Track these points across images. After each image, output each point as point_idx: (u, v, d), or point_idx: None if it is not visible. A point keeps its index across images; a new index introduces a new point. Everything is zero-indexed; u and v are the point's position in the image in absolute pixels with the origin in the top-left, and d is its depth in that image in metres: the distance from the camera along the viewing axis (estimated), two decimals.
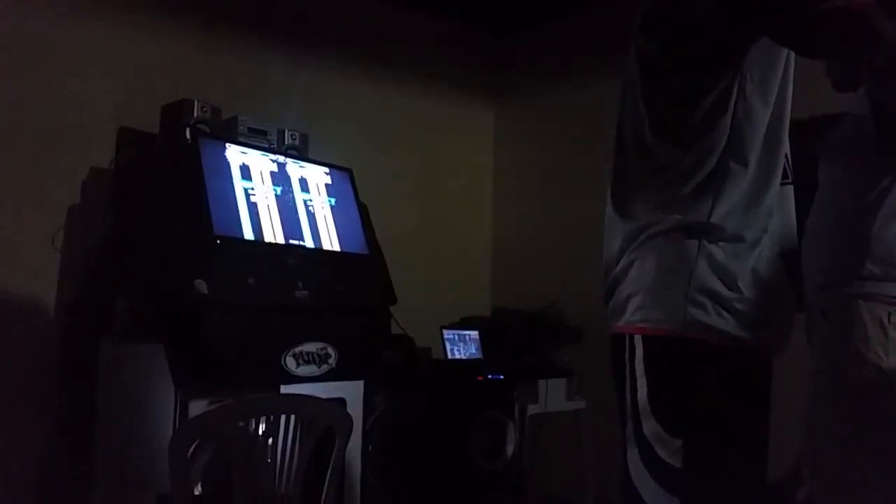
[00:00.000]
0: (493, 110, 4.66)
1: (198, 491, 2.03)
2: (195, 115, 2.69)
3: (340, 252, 2.78)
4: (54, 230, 2.81)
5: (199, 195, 2.42)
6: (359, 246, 2.85)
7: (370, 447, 2.87)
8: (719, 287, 1.07)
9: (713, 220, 1.09)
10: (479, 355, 3.52)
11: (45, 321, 2.80)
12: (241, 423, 1.93)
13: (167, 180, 2.58)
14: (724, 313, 1.06)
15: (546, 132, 4.40)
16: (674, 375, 1.08)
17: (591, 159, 4.14)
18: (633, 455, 1.09)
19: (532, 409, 3.48)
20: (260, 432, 1.96)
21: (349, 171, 3.01)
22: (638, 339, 1.10)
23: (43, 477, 2.71)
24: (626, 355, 1.11)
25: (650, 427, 1.07)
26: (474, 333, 3.56)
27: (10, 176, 2.75)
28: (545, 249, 4.24)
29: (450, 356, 3.38)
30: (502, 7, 4.28)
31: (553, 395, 3.52)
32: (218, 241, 2.38)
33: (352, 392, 2.63)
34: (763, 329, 1.11)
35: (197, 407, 2.20)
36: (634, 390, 1.09)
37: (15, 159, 2.77)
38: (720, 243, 1.09)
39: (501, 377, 3.42)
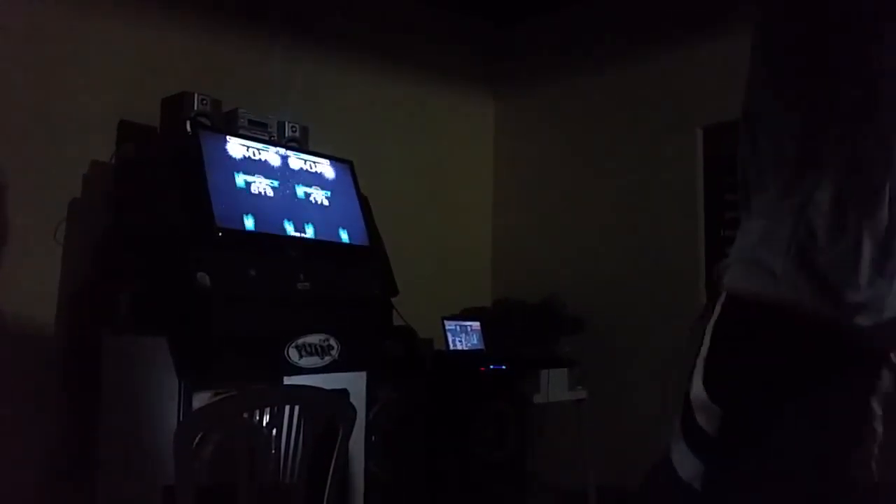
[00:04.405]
0: (493, 101, 4.66)
1: (202, 482, 2.04)
2: (195, 107, 2.68)
3: (342, 244, 2.78)
4: (56, 223, 2.81)
5: (200, 188, 2.42)
6: (360, 238, 2.85)
7: (373, 438, 2.88)
8: None
9: None
10: (480, 346, 3.53)
11: (47, 314, 2.81)
12: (245, 415, 1.94)
13: (168, 173, 2.58)
14: None
15: (546, 123, 4.40)
16: None
17: (592, 150, 4.16)
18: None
19: (534, 399, 3.50)
20: (264, 423, 1.97)
21: (350, 163, 3.01)
22: None
23: (47, 469, 2.72)
24: None
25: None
26: (476, 324, 3.57)
27: (12, 170, 2.75)
28: (546, 240, 4.24)
29: (452, 347, 3.39)
30: None
31: (555, 385, 3.54)
32: (220, 234, 2.38)
33: (354, 383, 2.64)
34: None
35: (201, 399, 2.21)
36: None
37: (16, 153, 2.77)
38: None
39: (503, 367, 3.43)
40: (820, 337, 1.00)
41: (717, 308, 1.06)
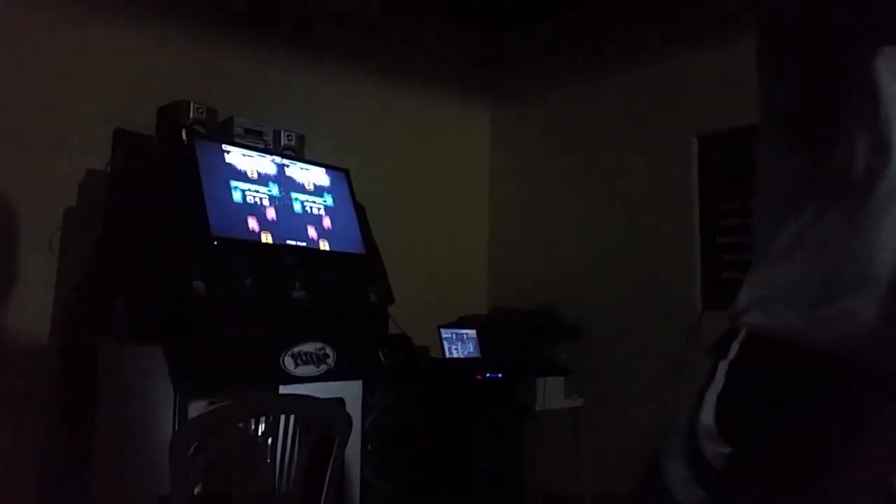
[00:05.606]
0: (489, 110, 4.67)
1: (198, 491, 2.03)
2: (191, 116, 2.69)
3: (338, 252, 2.78)
4: (51, 232, 2.81)
5: (196, 196, 2.42)
6: (356, 246, 2.85)
7: (369, 447, 2.87)
8: None
9: None
10: (477, 354, 3.53)
11: (43, 323, 2.80)
12: (241, 424, 1.93)
13: (164, 182, 2.58)
14: None
15: (542, 132, 4.41)
16: None
17: (587, 158, 4.17)
18: None
19: (530, 408, 3.49)
20: (259, 433, 1.96)
21: (346, 172, 3.02)
22: None
23: (42, 478, 2.71)
24: None
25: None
26: (472, 332, 3.57)
27: (7, 178, 2.75)
28: (542, 248, 4.25)
29: (448, 355, 3.39)
30: (499, 7, 4.29)
31: (551, 394, 3.53)
32: (215, 243, 2.38)
33: (350, 392, 2.63)
34: None
35: (196, 408, 2.20)
36: None
37: (11, 162, 2.76)
38: None
39: (500, 376, 3.43)
40: (844, 377, 1.00)
41: (735, 346, 1.06)
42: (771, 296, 1.03)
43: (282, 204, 2.69)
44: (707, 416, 1.03)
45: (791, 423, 1.00)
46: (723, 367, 1.05)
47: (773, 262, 1.07)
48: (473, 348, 3.53)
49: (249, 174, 2.64)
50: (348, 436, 2.08)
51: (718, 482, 1.01)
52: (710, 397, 1.04)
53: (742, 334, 1.04)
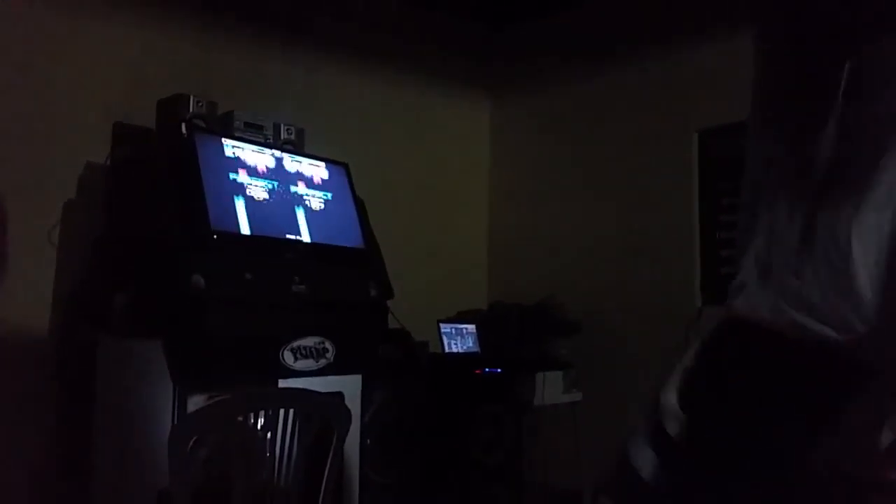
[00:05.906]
0: (489, 104, 4.66)
1: (197, 485, 2.03)
2: (191, 109, 2.68)
3: (337, 246, 2.78)
4: (50, 226, 2.81)
5: (195, 190, 2.41)
6: (356, 240, 2.85)
7: (368, 441, 2.88)
8: None
9: None
10: (476, 349, 3.53)
11: (42, 317, 2.80)
12: (240, 418, 1.94)
13: (163, 175, 2.57)
14: None
15: (542, 126, 4.40)
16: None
17: (587, 153, 4.16)
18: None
19: (529, 402, 3.50)
20: (259, 427, 1.97)
21: (346, 166, 3.01)
22: None
23: (41, 473, 2.71)
24: None
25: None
26: (471, 327, 3.57)
27: (6, 171, 2.74)
28: (542, 243, 4.25)
29: (447, 350, 3.39)
30: (499, 1, 4.28)
31: (550, 388, 3.54)
32: (215, 237, 2.38)
33: (350, 386, 2.63)
34: None
35: (195, 402, 2.20)
36: None
37: (10, 155, 2.76)
38: None
39: (499, 370, 3.43)
40: (808, 359, 1.00)
41: (712, 325, 1.07)
42: (746, 281, 1.04)
43: (281, 198, 2.69)
44: (671, 390, 1.04)
45: (748, 403, 1.00)
46: (695, 346, 1.06)
47: (753, 248, 1.08)
48: (473, 343, 3.54)
49: (249, 168, 2.64)
50: (347, 430, 2.08)
51: (678, 457, 1.02)
52: (676, 375, 1.05)
53: (722, 315, 1.05)
